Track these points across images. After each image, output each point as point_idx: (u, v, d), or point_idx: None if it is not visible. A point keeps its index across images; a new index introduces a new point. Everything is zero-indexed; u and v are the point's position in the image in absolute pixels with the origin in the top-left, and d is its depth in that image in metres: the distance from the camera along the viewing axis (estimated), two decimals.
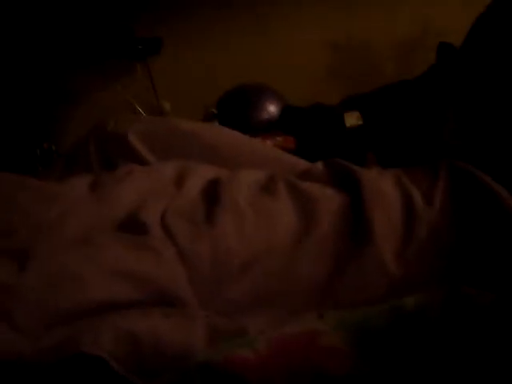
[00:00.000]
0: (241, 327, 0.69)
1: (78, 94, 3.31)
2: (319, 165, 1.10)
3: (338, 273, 0.87)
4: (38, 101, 3.14)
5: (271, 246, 0.88)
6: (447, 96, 1.26)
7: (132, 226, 0.87)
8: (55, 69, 3.27)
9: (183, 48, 3.33)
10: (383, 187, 0.98)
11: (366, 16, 3.19)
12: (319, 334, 0.50)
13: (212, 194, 0.95)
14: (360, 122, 1.58)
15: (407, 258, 0.88)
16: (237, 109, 2.77)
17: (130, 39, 3.21)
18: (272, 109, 2.73)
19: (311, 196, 0.96)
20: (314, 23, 3.27)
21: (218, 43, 3.31)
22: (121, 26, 3.21)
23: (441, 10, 2.96)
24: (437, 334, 0.47)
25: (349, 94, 2.48)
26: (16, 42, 3.05)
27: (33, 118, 3.06)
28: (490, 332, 0.46)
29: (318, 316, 0.73)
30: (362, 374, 0.46)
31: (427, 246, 0.89)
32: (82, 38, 3.19)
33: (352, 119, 1.57)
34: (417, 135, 1.33)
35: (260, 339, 0.51)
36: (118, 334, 0.65)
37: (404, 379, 0.47)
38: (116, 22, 3.24)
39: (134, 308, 0.72)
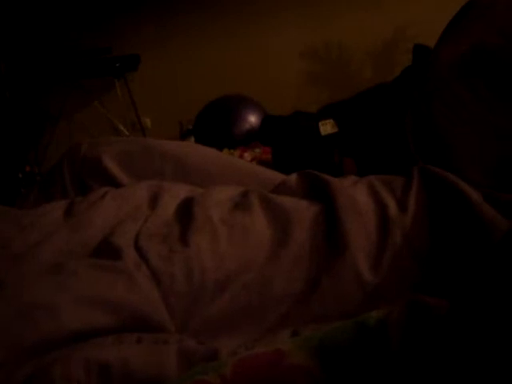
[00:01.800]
0: (212, 351, 0.69)
1: (58, 115, 3.31)
2: (293, 177, 1.10)
3: (313, 285, 0.87)
4: (18, 124, 3.14)
5: (246, 261, 0.88)
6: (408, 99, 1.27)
7: (106, 250, 0.86)
8: (34, 91, 3.27)
9: (161, 64, 3.34)
10: (357, 196, 0.98)
11: (341, 23, 3.22)
12: (284, 354, 0.50)
13: (185, 213, 0.95)
14: (335, 130, 1.59)
15: (382, 265, 0.88)
16: (217, 121, 2.78)
17: (107, 57, 3.21)
18: (252, 119, 2.74)
19: (285, 209, 0.96)
20: (290, 32, 3.29)
21: (195, 57, 3.33)
22: (98, 45, 3.22)
23: (415, 13, 2.99)
24: (394, 351, 0.47)
25: (329, 99, 2.50)
26: None
27: (14, 142, 3.05)
28: (445, 343, 0.46)
29: (292, 333, 0.74)
30: None
31: (402, 253, 0.89)
32: (60, 59, 3.19)
33: (327, 127, 1.58)
34: (387, 141, 1.34)
35: (227, 363, 0.51)
36: (89, 365, 0.64)
37: None
38: (93, 41, 3.25)
39: (109, 335, 0.72)
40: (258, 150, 2.09)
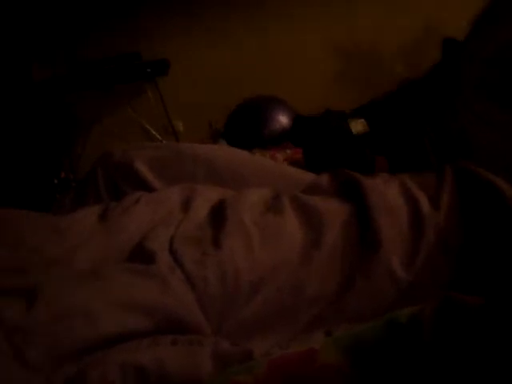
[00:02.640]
0: (246, 352, 0.69)
1: (91, 122, 3.35)
2: (324, 176, 1.10)
3: (347, 284, 0.87)
4: (53, 131, 3.18)
5: (280, 263, 0.88)
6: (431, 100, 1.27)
7: (140, 255, 0.88)
8: (67, 98, 3.31)
9: (190, 67, 3.36)
10: (389, 195, 0.98)
11: (369, 18, 3.20)
12: (317, 354, 0.50)
13: (218, 216, 0.96)
14: (366, 129, 1.58)
15: (416, 263, 0.88)
16: (248, 122, 2.79)
17: (137, 63, 3.25)
18: (283, 119, 2.74)
19: (317, 209, 0.96)
20: (318, 29, 3.28)
21: (223, 59, 3.34)
22: (128, 51, 3.26)
23: (443, 7, 2.96)
24: (428, 346, 0.47)
25: (359, 97, 2.48)
26: (25, 75, 3.09)
27: (49, 149, 3.10)
28: (478, 339, 0.46)
29: (326, 333, 0.74)
30: None
31: (436, 251, 0.89)
32: (91, 65, 3.23)
33: (358, 126, 1.57)
34: (417, 138, 1.34)
35: (261, 363, 0.52)
36: (125, 368, 0.65)
37: None
38: (123, 47, 3.28)
39: (145, 337, 0.73)
40: (289, 151, 2.09)
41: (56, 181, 3.00)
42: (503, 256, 0.85)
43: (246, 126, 2.78)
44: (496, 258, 0.85)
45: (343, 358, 0.49)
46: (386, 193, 0.98)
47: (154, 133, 3.30)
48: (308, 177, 1.18)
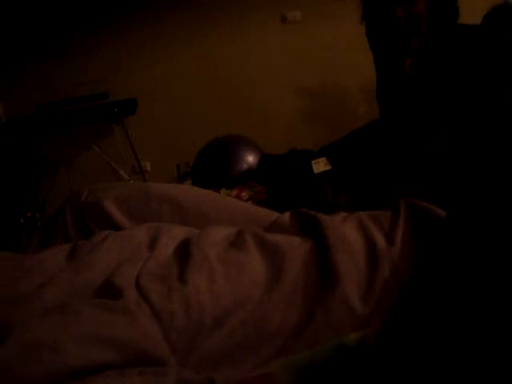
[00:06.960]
0: (209, 380, 0.72)
1: (58, 162, 3.36)
2: (286, 215, 1.15)
3: (308, 318, 0.90)
4: (20, 171, 3.18)
5: (243, 298, 0.91)
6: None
7: (108, 291, 0.90)
8: (35, 138, 3.32)
9: (158, 107, 3.40)
10: (347, 232, 1.03)
11: (333, 60, 3.28)
12: (273, 378, 0.53)
13: (184, 252, 1.00)
14: (328, 168, 1.64)
15: (372, 297, 0.92)
16: (216, 161, 2.83)
17: (105, 102, 3.28)
18: (251, 159, 2.79)
19: (278, 247, 1.00)
20: (287, 73, 3.36)
21: (193, 99, 3.38)
22: (95, 91, 3.29)
23: None
24: (371, 370, 0.51)
25: (325, 135, 2.55)
26: None
27: (15, 188, 3.09)
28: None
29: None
30: None
31: (391, 285, 0.93)
32: (58, 105, 3.25)
33: (320, 165, 1.63)
34: (380, 174, 1.39)
35: None
36: None
37: None
38: (90, 87, 3.32)
39: (113, 370, 0.75)
40: (254, 190, 2.13)
41: (22, 220, 2.99)
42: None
43: (213, 165, 2.82)
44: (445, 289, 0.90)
45: (297, 380, 0.52)
46: (344, 231, 1.03)
47: (122, 173, 3.32)
48: (271, 215, 1.23)
